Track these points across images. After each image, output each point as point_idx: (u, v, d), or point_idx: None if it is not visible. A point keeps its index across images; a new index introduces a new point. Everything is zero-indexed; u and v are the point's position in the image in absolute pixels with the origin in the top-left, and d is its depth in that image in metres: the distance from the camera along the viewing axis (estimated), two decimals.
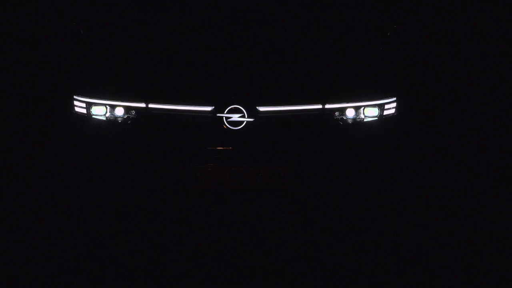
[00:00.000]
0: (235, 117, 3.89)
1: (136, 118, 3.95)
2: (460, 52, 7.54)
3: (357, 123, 4.02)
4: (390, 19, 4.90)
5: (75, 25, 4.44)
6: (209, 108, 3.90)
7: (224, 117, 3.90)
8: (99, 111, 4.01)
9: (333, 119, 3.99)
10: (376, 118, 4.05)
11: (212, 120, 3.90)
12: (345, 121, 4.01)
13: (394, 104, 4.11)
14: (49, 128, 4.90)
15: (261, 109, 3.91)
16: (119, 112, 3.99)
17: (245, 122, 3.90)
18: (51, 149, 4.66)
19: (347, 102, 3.99)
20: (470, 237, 4.44)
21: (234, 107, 3.90)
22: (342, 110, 4.01)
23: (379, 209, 4.19)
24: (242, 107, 3.89)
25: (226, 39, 4.46)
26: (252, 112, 3.89)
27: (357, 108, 4.02)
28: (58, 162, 4.25)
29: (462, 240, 4.40)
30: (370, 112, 4.05)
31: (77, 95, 4.07)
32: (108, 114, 4.00)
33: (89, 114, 4.02)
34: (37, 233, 4.41)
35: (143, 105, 3.93)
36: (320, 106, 3.95)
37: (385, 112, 4.07)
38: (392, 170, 4.11)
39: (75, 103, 4.07)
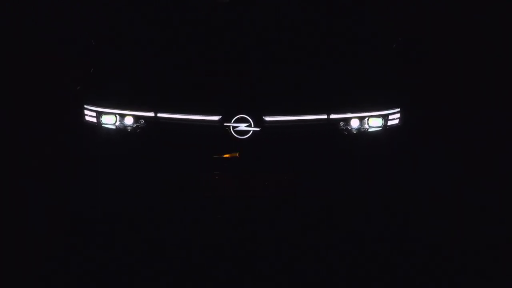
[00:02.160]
0: (242, 126, 3.89)
1: (145, 127, 3.96)
2: (464, 63, 7.56)
3: (362, 133, 4.03)
4: (395, 30, 4.92)
5: (86, 35, 4.48)
6: (216, 118, 3.91)
7: (231, 126, 3.90)
8: (109, 120, 4.03)
9: (338, 129, 4.00)
10: (380, 128, 4.07)
11: (219, 129, 3.90)
12: (350, 131, 4.02)
13: (398, 115, 4.12)
14: (61, 136, 4.95)
15: (268, 118, 3.91)
16: (129, 121, 4.00)
17: (251, 131, 3.90)
18: (63, 156, 4.71)
19: (352, 112, 4.00)
20: (474, 242, 4.45)
21: (241, 117, 3.90)
22: (347, 120, 4.02)
23: (384, 217, 4.21)
24: (249, 117, 3.89)
25: (233, 49, 4.48)
26: (258, 122, 3.90)
27: (361, 119, 4.03)
28: (69, 169, 4.32)
29: (464, 247, 4.40)
30: (374, 123, 4.06)
31: (87, 104, 4.09)
32: (117, 123, 4.01)
33: (99, 123, 4.05)
34: (46, 244, 4.45)
35: (152, 114, 3.94)
36: (325, 116, 3.96)
37: (389, 123, 4.08)
38: (396, 179, 4.14)
39: (85, 112, 4.10)
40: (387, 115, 4.08)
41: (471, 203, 5.05)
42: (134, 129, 4.00)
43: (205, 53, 4.44)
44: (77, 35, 4.48)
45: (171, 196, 3.97)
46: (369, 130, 4.05)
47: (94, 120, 4.07)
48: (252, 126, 3.91)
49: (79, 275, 3.95)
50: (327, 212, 4.08)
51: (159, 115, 3.94)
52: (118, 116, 4.00)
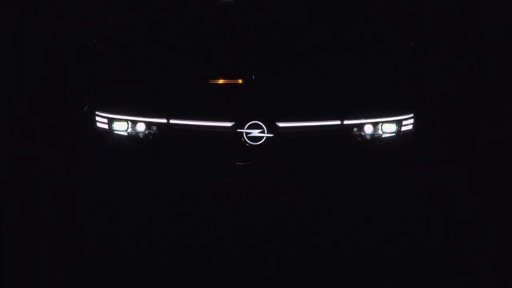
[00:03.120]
0: (255, 132, 3.88)
1: (157, 134, 3.94)
2: (480, 67, 7.48)
3: (375, 139, 4.01)
4: (407, 35, 4.88)
5: (96, 41, 4.46)
6: (229, 124, 3.90)
7: (244, 133, 3.89)
8: (121, 127, 4.01)
9: (351, 135, 3.98)
10: (394, 134, 4.04)
11: (232, 135, 3.89)
12: (363, 137, 4.00)
13: (412, 120, 4.10)
14: (74, 142, 4.92)
15: (281, 124, 3.90)
16: (140, 127, 3.99)
17: (264, 138, 3.89)
18: (75, 162, 4.73)
19: (365, 118, 3.99)
20: (491, 250, 4.43)
21: (254, 123, 3.89)
22: (361, 126, 4.00)
23: (398, 224, 4.18)
24: (262, 123, 3.88)
25: (246, 55, 4.46)
26: (271, 128, 3.88)
27: (375, 124, 4.01)
28: (81, 175, 4.29)
29: (480, 253, 4.40)
30: (388, 128, 4.04)
31: (99, 111, 4.08)
32: (129, 130, 4.00)
33: (111, 129, 4.03)
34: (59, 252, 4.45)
35: (164, 120, 3.93)
36: (338, 122, 3.94)
37: (403, 128, 4.06)
38: (410, 186, 4.11)
39: (97, 118, 4.08)
40: (401, 120, 4.05)
41: (491, 213, 5.02)
42: (146, 135, 3.98)
43: (218, 59, 4.43)
44: (87, 39, 4.48)
45: (183, 203, 3.95)
46: (383, 136, 4.02)
47: (106, 126, 4.05)
48: (265, 132, 3.90)
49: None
50: (341, 219, 4.05)
51: (171, 121, 3.93)
52: (130, 123, 3.99)
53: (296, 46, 4.56)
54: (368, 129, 4.01)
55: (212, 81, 4.21)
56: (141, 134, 3.99)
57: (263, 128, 3.89)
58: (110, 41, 4.65)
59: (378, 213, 4.05)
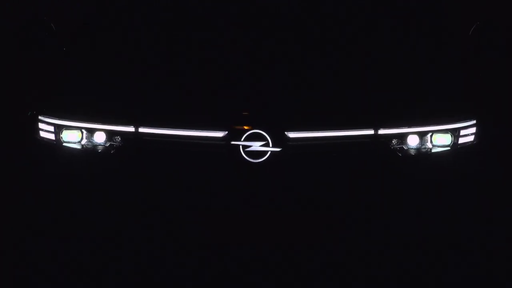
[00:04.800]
0: (256, 145, 3.45)
1: (122, 147, 3.54)
2: None
3: (422, 155, 3.55)
4: (472, 9, 4.44)
5: (45, 19, 4.07)
6: (220, 134, 3.47)
7: (240, 146, 3.46)
8: (72, 137, 3.60)
9: (389, 149, 3.54)
10: (449, 148, 3.58)
11: (224, 149, 3.46)
12: (405, 152, 3.54)
13: (474, 129, 3.62)
14: (9, 159, 4.40)
15: (291, 135, 3.46)
16: (99, 138, 3.56)
17: (269, 153, 3.45)
18: (11, 188, 4.17)
19: (408, 126, 3.53)
20: None
21: (255, 133, 3.46)
22: (402, 137, 3.55)
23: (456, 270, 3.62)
24: (265, 133, 3.45)
25: (241, 38, 4.08)
26: (278, 140, 3.45)
27: (422, 135, 3.55)
28: (19, 206, 3.80)
29: None
30: (440, 140, 3.58)
31: (43, 115, 3.65)
32: (84, 141, 3.59)
33: (58, 140, 3.60)
34: None
35: (131, 129, 3.51)
36: (371, 132, 3.51)
37: (461, 140, 3.59)
38: (471, 220, 3.59)
39: (40, 125, 3.64)
40: (458, 129, 3.58)
41: None
42: (106, 149, 3.55)
43: (204, 43, 4.05)
44: (33, 16, 4.10)
45: (157, 243, 3.47)
46: (433, 150, 3.57)
47: (52, 136, 3.61)
48: (270, 145, 3.45)
49: None
50: (375, 266, 3.50)
51: (141, 130, 3.51)
52: (85, 132, 3.57)
53: (311, 28, 4.15)
54: (412, 141, 3.55)
55: (196, 77, 3.81)
56: (99, 148, 3.57)
57: (266, 140, 3.45)
58: (66, 19, 4.31)
59: (427, 261, 3.54)
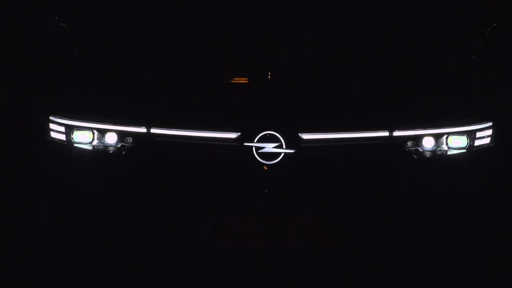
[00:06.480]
0: (269, 147, 3.40)
1: (134, 148, 3.49)
2: None
3: (438, 157, 3.50)
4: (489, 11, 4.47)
5: (58, 20, 4.07)
6: (233, 135, 3.42)
7: (253, 147, 3.41)
8: (83, 138, 3.55)
9: (404, 152, 3.48)
10: (465, 151, 3.54)
11: (237, 151, 3.42)
12: (420, 155, 3.49)
13: (490, 132, 3.59)
14: (20, 159, 4.38)
15: (305, 136, 3.41)
16: (111, 139, 3.51)
17: (282, 155, 3.39)
18: (22, 189, 4.15)
19: (424, 128, 3.49)
20: None
21: (268, 134, 3.40)
22: (417, 139, 3.51)
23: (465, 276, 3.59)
24: (279, 134, 3.40)
25: (256, 38, 4.03)
26: (292, 141, 3.40)
27: (437, 137, 3.51)
28: (29, 210, 3.75)
29: None
30: (456, 142, 3.54)
31: (54, 115, 3.60)
32: (95, 142, 3.54)
33: (69, 141, 3.55)
34: None
35: (143, 130, 3.46)
36: (386, 134, 3.46)
37: (477, 142, 3.55)
38: (488, 225, 3.54)
39: (51, 126, 3.59)
40: (474, 131, 3.54)
41: None
42: (118, 150, 3.50)
43: (218, 43, 4.02)
44: (43, 14, 4.09)
45: (169, 244, 3.44)
46: (449, 152, 3.52)
47: (63, 137, 3.56)
48: (284, 147, 3.40)
49: None
50: (388, 271, 3.46)
51: (152, 131, 3.47)
52: (96, 132, 3.52)
53: (327, 25, 4.13)
54: (428, 144, 3.50)
55: (209, 77, 3.80)
56: (110, 148, 3.52)
57: (280, 141, 3.40)
58: (78, 18, 4.29)
59: (444, 266, 3.49)
